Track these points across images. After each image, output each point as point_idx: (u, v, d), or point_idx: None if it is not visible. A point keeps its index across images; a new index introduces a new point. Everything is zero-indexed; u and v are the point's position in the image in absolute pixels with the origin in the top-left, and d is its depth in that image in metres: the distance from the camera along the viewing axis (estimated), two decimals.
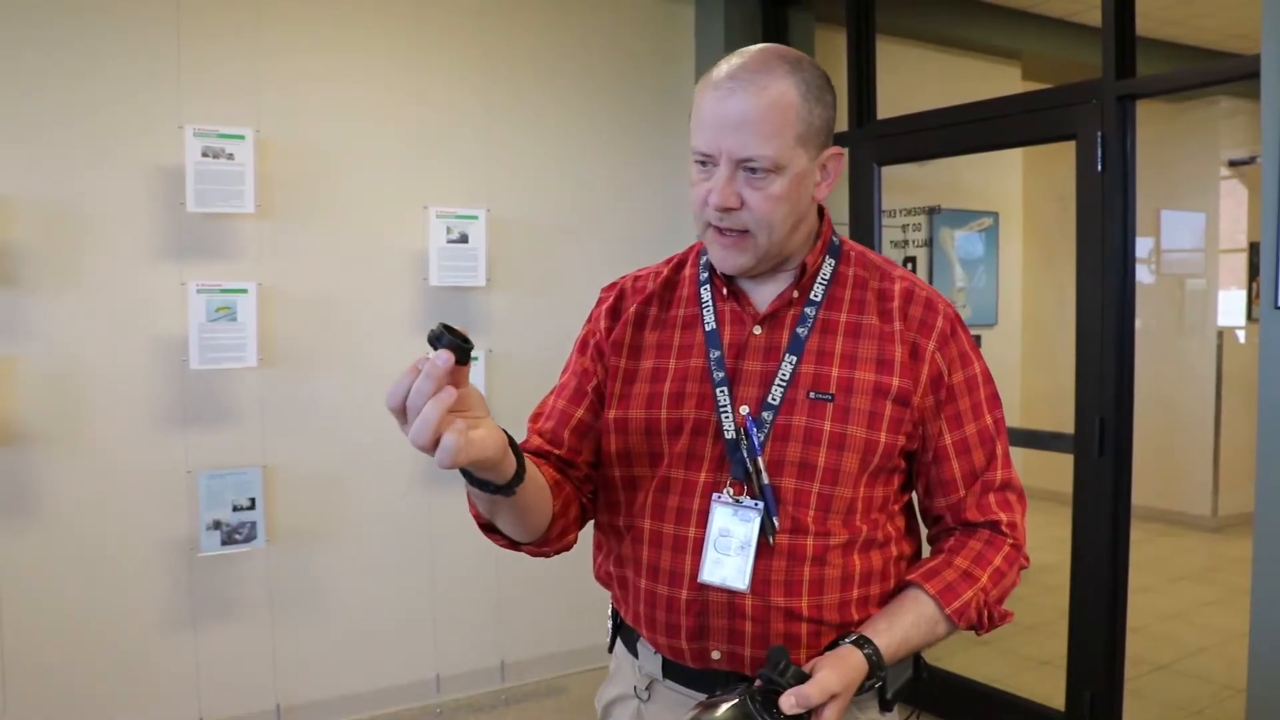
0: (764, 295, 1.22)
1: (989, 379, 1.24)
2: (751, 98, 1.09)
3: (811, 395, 1.15)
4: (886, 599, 1.19)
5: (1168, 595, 4.54)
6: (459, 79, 3.35)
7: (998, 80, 4.49)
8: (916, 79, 4.18)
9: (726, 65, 1.13)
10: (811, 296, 1.20)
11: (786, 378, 1.17)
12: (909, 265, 4.43)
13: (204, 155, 2.87)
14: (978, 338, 4.61)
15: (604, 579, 1.30)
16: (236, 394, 3.03)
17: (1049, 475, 3.67)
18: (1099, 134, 2.74)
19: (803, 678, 1.00)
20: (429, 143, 3.31)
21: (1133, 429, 2.81)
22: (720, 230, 1.15)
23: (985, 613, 1.17)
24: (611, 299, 1.32)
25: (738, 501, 1.14)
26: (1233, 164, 5.55)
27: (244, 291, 2.94)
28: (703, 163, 1.14)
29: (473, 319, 3.39)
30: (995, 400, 1.24)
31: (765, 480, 1.14)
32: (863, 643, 1.09)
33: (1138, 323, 6.02)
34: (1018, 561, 1.21)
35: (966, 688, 3.24)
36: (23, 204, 2.74)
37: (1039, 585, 3.99)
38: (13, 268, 2.73)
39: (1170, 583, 4.68)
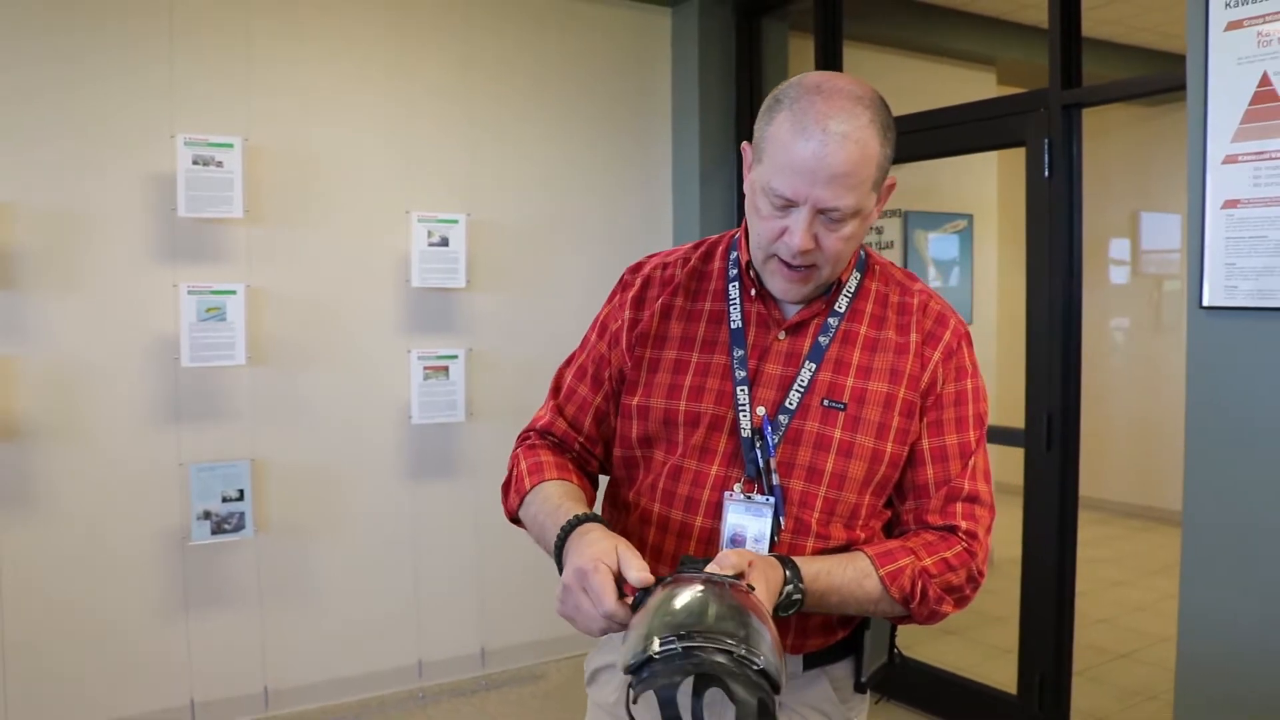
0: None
1: (980, 399, 1.25)
2: (845, 153, 1.08)
3: (825, 403, 1.19)
4: None
5: (1139, 588, 4.64)
6: (440, 88, 3.49)
7: (972, 86, 4.61)
8: (893, 85, 4.29)
9: (810, 107, 1.10)
10: (836, 308, 1.23)
11: (805, 384, 1.20)
12: None
13: (195, 163, 3.00)
14: None
15: None
16: (226, 390, 3.17)
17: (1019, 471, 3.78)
18: (1046, 141, 2.86)
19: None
20: (411, 150, 3.45)
21: (1079, 424, 2.92)
22: (790, 266, 1.16)
23: (919, 585, 1.15)
24: (637, 287, 1.31)
25: (748, 498, 1.17)
26: None
27: (233, 293, 3.08)
28: (781, 203, 1.13)
29: (453, 319, 3.53)
30: (981, 420, 1.25)
31: (776, 480, 1.17)
32: (780, 557, 1.11)
33: (1117, 321, 6.10)
34: (969, 565, 1.19)
35: (928, 674, 3.36)
36: (23, 210, 2.88)
37: (1010, 578, 4.10)
38: (13, 271, 2.88)
39: (1143, 576, 4.78)
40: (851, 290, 1.26)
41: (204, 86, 3.10)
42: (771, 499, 1.17)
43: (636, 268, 1.36)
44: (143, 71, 3.02)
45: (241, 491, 3.13)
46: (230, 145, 3.04)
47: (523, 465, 1.30)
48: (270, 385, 3.23)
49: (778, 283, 1.20)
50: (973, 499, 1.21)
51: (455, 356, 3.45)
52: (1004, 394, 5.44)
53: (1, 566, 2.88)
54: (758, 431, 1.20)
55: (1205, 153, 2.28)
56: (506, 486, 1.32)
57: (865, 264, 1.29)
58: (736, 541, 1.17)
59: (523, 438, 1.38)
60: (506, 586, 3.63)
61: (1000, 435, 3.26)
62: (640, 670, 0.92)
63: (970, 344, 1.28)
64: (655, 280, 1.32)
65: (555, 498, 1.21)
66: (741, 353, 1.23)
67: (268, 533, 3.24)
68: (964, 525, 1.20)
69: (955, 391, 1.23)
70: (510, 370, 3.58)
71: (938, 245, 4.81)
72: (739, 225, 1.31)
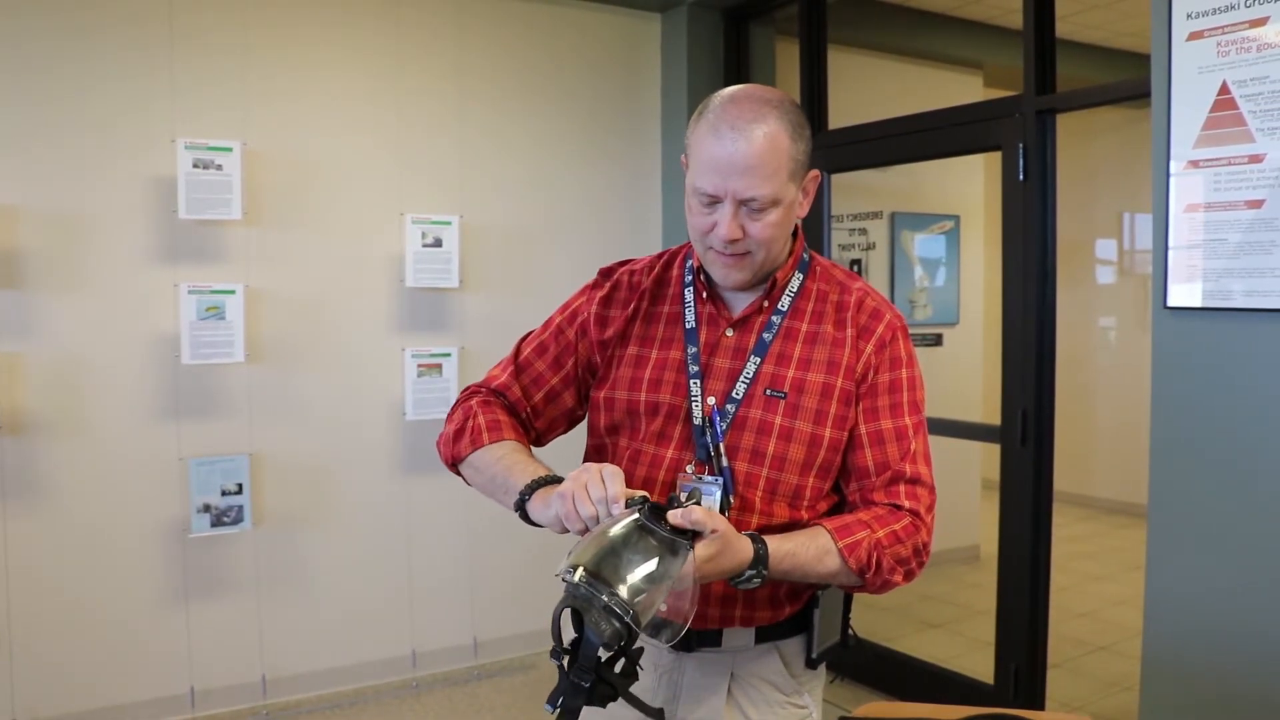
0: (739, 302, 1.37)
1: (916, 387, 1.35)
2: (752, 145, 1.22)
3: (768, 392, 1.31)
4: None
5: (1120, 583, 4.72)
6: (434, 94, 3.58)
7: (959, 90, 4.68)
8: (880, 90, 4.38)
9: (723, 113, 1.25)
10: (779, 306, 1.36)
11: (750, 376, 1.32)
12: (854, 267, 4.63)
13: (194, 166, 3.09)
14: (939, 335, 4.80)
15: None
16: (225, 387, 3.26)
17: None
18: (1021, 146, 2.94)
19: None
20: (405, 153, 3.53)
21: (1054, 420, 3.00)
22: (723, 254, 1.29)
23: (874, 556, 1.22)
24: (607, 288, 1.44)
25: (699, 478, 1.29)
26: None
27: (232, 292, 3.16)
28: (707, 199, 1.27)
29: (446, 318, 3.61)
30: (917, 407, 1.34)
31: (725, 463, 1.29)
32: (755, 538, 1.18)
33: (1104, 320, 6.17)
34: (915, 538, 1.27)
35: (909, 665, 3.44)
36: (28, 212, 2.97)
37: (994, 572, 4.19)
38: (18, 271, 2.96)
39: (1124, 571, 4.85)
40: (794, 290, 1.38)
41: (204, 92, 3.19)
42: (720, 479, 1.28)
43: (608, 271, 1.48)
44: (144, 77, 3.10)
45: (240, 485, 3.21)
46: (229, 149, 3.12)
47: (480, 419, 1.39)
48: (268, 382, 3.32)
49: (717, 270, 1.33)
50: (914, 481, 1.31)
51: (448, 355, 3.53)
52: (990, 392, 5.55)
53: (7, 558, 2.97)
54: (708, 419, 1.32)
55: (1169, 158, 2.37)
56: (459, 435, 1.39)
57: (808, 266, 1.41)
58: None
59: (472, 391, 1.47)
60: (498, 579, 3.72)
61: (978, 431, 3.35)
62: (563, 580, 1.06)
63: (906, 336, 1.37)
64: (624, 284, 1.44)
65: (523, 457, 1.34)
66: (694, 349, 1.36)
67: (266, 526, 3.32)
68: (907, 504, 1.30)
69: (890, 380, 1.33)
70: None
71: (924, 246, 4.89)
72: None
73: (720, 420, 1.31)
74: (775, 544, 1.19)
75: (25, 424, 2.99)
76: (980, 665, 3.38)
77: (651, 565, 1.05)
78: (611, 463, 1.33)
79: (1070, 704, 3.37)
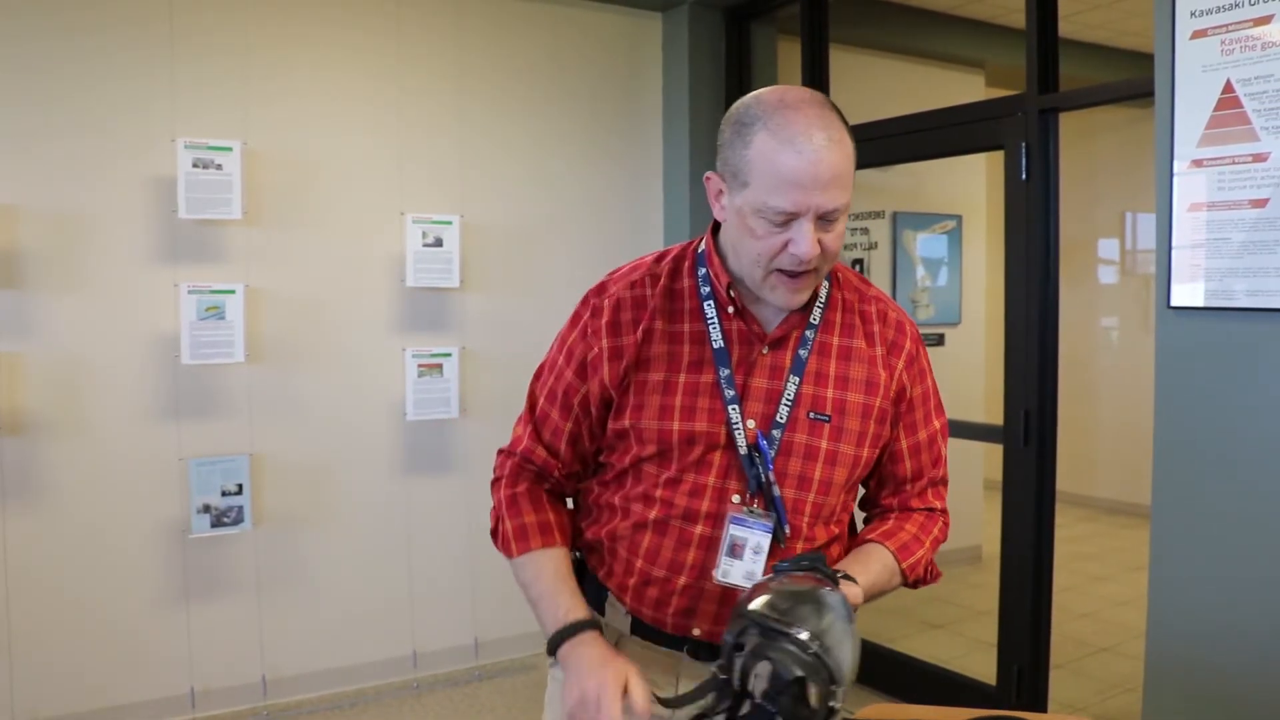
0: (770, 315, 1.28)
1: (937, 389, 1.39)
2: (835, 156, 1.14)
3: (811, 415, 1.26)
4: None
5: (1122, 584, 4.71)
6: (434, 93, 3.57)
7: (961, 89, 4.68)
8: (882, 89, 4.38)
9: (788, 122, 1.14)
10: (811, 320, 1.29)
11: (791, 398, 1.26)
12: (856, 266, 4.63)
13: (194, 166, 3.08)
14: (941, 335, 4.80)
15: (583, 544, 1.38)
16: (225, 387, 3.25)
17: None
18: (1023, 145, 2.93)
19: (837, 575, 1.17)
20: (405, 153, 3.52)
21: (1056, 421, 2.99)
22: (793, 275, 1.19)
23: (927, 570, 1.35)
24: (608, 311, 1.30)
25: (750, 511, 1.24)
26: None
27: (232, 292, 3.16)
28: (781, 219, 1.16)
29: (447, 317, 3.60)
30: (940, 409, 1.39)
31: (777, 493, 1.24)
32: (849, 578, 1.19)
33: (1106, 320, 6.15)
34: (945, 535, 1.39)
35: (911, 666, 3.43)
36: (28, 212, 2.96)
37: (996, 573, 4.18)
38: (18, 271, 2.96)
39: (1127, 572, 4.84)
40: (823, 300, 1.32)
41: (204, 91, 3.18)
42: (773, 513, 1.25)
43: (600, 290, 1.34)
44: (144, 77, 3.10)
45: (240, 486, 3.21)
46: (229, 149, 3.12)
47: (508, 525, 1.35)
48: (268, 382, 3.31)
49: (780, 294, 1.22)
50: (942, 482, 1.40)
51: (449, 354, 3.52)
52: (992, 392, 5.54)
53: (7, 558, 2.97)
54: (754, 447, 1.26)
55: (1172, 157, 2.36)
56: (494, 536, 1.38)
57: (832, 274, 1.34)
58: (735, 551, 1.24)
59: (503, 463, 1.40)
60: (499, 580, 3.68)
61: (980, 432, 3.34)
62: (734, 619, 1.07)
63: (923, 343, 1.39)
64: (627, 303, 1.31)
65: (547, 577, 1.31)
66: (727, 371, 1.27)
67: (266, 526, 3.32)
68: (938, 505, 1.39)
69: (921, 392, 1.36)
70: (502, 368, 3.66)
71: (926, 245, 4.88)
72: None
73: (768, 447, 1.26)
74: (865, 581, 1.22)
75: (25, 424, 2.98)
76: (982, 666, 3.37)
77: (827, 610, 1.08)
78: (645, 488, 1.29)
79: (1073, 705, 3.36)
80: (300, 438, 3.37)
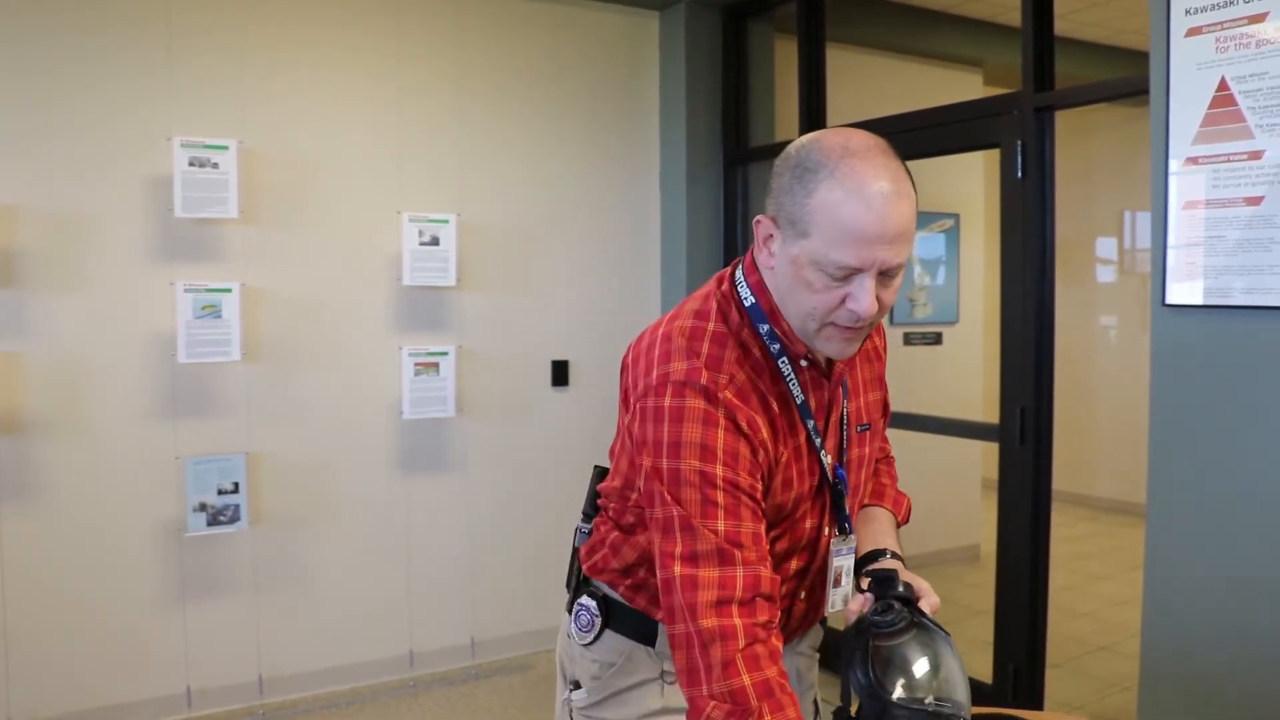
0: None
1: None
2: (903, 211, 1.08)
3: (859, 429, 1.33)
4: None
5: (1121, 583, 4.71)
6: (431, 91, 3.57)
7: (959, 87, 4.68)
8: (879, 87, 4.37)
9: (855, 173, 1.07)
10: None
11: (845, 419, 1.30)
12: None
13: (191, 165, 3.09)
14: (938, 334, 4.79)
15: (625, 577, 1.33)
16: (222, 386, 3.25)
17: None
18: (1019, 143, 2.93)
19: (908, 588, 1.24)
20: (402, 151, 3.52)
21: (1053, 419, 2.99)
22: (849, 329, 1.14)
23: (907, 509, 1.49)
24: (743, 425, 1.15)
25: (844, 540, 1.30)
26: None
27: (228, 291, 3.16)
28: (843, 273, 1.09)
29: (443, 316, 3.60)
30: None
31: (847, 512, 1.30)
32: (895, 555, 1.34)
33: (1105, 319, 6.14)
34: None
35: None
36: (26, 212, 2.97)
37: (993, 572, 4.19)
38: (15, 270, 2.96)
39: (1125, 571, 4.84)
40: None
41: (200, 91, 3.18)
42: (853, 537, 1.33)
43: (711, 397, 1.15)
44: (141, 76, 3.10)
45: (236, 484, 3.21)
46: (226, 148, 3.12)
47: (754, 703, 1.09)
48: (265, 381, 3.31)
49: (834, 346, 1.17)
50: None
51: (445, 353, 3.52)
52: (989, 390, 5.54)
53: (3, 556, 2.97)
54: (836, 478, 1.30)
55: (1168, 155, 2.36)
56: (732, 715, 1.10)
57: None
58: (836, 581, 1.32)
59: (726, 630, 1.09)
60: (496, 579, 3.71)
61: (977, 430, 3.33)
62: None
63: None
64: (739, 408, 1.16)
65: None
66: (812, 422, 1.25)
67: (262, 525, 3.32)
68: (889, 449, 1.56)
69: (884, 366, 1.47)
70: (499, 367, 3.66)
71: (923, 244, 4.88)
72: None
73: (845, 474, 1.31)
74: (896, 550, 1.36)
75: (22, 423, 2.98)
76: (979, 665, 3.36)
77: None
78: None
79: (1070, 704, 3.36)
80: (297, 436, 3.37)
